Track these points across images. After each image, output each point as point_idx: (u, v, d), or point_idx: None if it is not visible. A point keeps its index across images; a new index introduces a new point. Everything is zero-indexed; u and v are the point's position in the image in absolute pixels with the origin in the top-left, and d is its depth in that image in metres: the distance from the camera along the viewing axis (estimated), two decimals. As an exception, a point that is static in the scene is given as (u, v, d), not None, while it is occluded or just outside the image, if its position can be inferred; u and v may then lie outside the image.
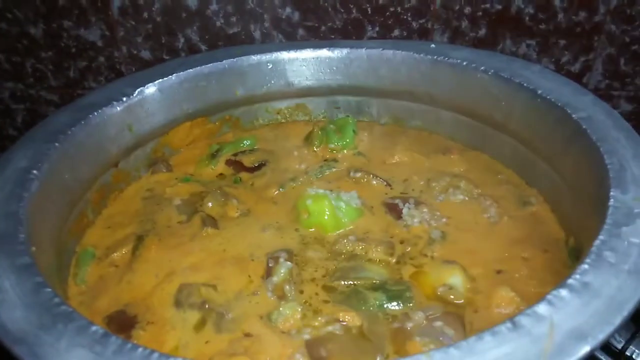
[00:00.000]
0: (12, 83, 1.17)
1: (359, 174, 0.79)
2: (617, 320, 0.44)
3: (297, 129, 0.92)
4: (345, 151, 0.85)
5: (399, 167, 0.82)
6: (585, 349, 0.42)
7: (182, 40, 1.08)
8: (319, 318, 0.58)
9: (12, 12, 1.08)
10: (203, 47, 1.08)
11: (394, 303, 0.59)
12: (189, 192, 0.78)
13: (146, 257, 0.67)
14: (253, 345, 0.55)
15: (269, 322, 0.58)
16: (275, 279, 0.63)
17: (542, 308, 0.45)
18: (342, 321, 0.57)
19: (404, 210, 0.72)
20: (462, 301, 0.60)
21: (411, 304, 0.59)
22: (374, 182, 0.78)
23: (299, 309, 0.59)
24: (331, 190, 0.74)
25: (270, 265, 0.64)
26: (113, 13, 1.05)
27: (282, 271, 0.63)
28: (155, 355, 0.43)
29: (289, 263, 0.64)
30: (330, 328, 0.57)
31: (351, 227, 0.71)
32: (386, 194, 0.77)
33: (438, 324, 0.55)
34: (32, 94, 1.18)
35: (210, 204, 0.75)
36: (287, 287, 0.62)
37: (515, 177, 0.79)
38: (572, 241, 0.65)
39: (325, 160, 0.84)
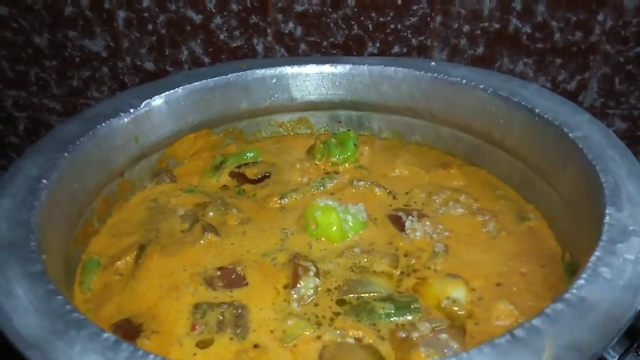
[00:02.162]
0: (15, 91, 1.18)
1: (361, 183, 0.80)
2: (613, 334, 0.46)
3: (300, 142, 0.93)
4: (346, 164, 0.86)
5: (399, 180, 0.83)
6: (581, 362, 0.44)
7: (185, 52, 1.09)
8: (328, 332, 0.58)
9: (18, 22, 1.09)
10: (206, 60, 1.10)
11: (402, 313, 0.60)
12: (193, 203, 0.78)
13: (148, 265, 0.68)
14: (260, 356, 0.56)
15: (279, 333, 0.58)
16: (302, 291, 0.63)
17: (540, 321, 0.46)
18: (354, 337, 0.58)
19: (407, 223, 0.73)
20: (464, 312, 0.61)
21: (419, 315, 0.60)
22: (378, 192, 0.79)
23: (310, 322, 0.59)
24: (340, 201, 0.75)
25: (299, 273, 0.64)
26: (118, 24, 1.07)
27: (310, 286, 0.64)
28: (166, 362, 0.44)
29: (317, 280, 0.64)
30: (339, 340, 0.57)
31: (356, 238, 0.72)
32: (390, 205, 0.78)
33: (443, 336, 0.56)
34: (34, 102, 1.19)
35: (211, 213, 0.75)
36: (308, 300, 0.63)
37: (513, 192, 0.80)
38: (567, 256, 0.66)
39: (327, 173, 0.85)
